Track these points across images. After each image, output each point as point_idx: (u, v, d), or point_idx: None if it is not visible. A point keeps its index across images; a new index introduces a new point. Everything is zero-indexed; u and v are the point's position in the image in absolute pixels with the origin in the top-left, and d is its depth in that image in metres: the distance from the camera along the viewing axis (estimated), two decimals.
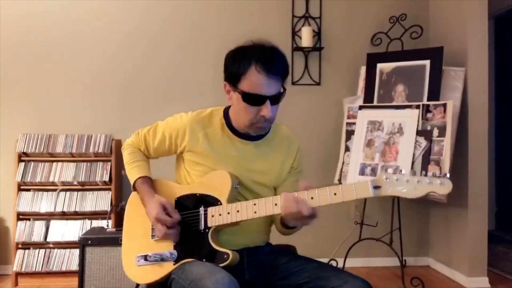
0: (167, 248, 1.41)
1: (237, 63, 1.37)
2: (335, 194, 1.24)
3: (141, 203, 1.49)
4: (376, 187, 1.20)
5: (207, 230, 1.38)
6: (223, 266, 1.31)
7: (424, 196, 1.16)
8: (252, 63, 1.34)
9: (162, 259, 1.40)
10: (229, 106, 1.52)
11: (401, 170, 1.19)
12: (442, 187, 1.14)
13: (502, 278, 3.10)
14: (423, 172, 1.18)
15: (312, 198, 1.26)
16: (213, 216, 1.38)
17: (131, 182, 1.52)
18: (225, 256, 1.32)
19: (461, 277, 3.00)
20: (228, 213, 1.36)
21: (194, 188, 1.46)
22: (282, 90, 1.40)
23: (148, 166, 1.57)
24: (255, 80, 1.34)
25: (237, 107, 1.42)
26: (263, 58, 1.35)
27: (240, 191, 1.45)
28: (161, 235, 1.39)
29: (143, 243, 1.47)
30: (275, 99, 1.38)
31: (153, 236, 1.46)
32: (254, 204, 1.33)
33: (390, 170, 1.20)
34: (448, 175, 1.15)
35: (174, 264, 1.38)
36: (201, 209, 1.40)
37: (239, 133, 1.48)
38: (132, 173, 1.52)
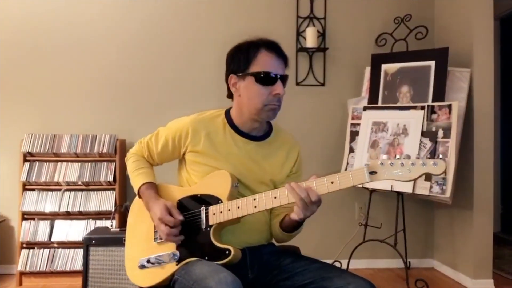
0: (170, 249, 1.41)
1: (244, 52, 1.45)
2: (332, 182, 1.26)
3: (145, 208, 1.49)
4: (372, 173, 1.21)
5: (208, 229, 1.39)
6: (226, 262, 1.32)
7: (419, 177, 1.18)
8: (260, 47, 1.44)
9: (165, 261, 1.40)
10: (230, 108, 1.55)
11: (395, 155, 1.21)
12: (436, 168, 1.16)
13: (507, 281, 3.08)
14: (417, 156, 1.21)
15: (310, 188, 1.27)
16: (214, 214, 1.39)
17: (136, 189, 1.52)
18: (227, 252, 1.33)
19: (466, 279, 2.99)
20: (229, 210, 1.37)
21: (195, 190, 1.47)
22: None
23: (152, 172, 1.58)
24: (266, 60, 1.43)
25: (248, 94, 1.45)
26: (269, 42, 1.46)
27: (241, 190, 1.46)
28: (164, 236, 1.40)
29: (145, 246, 1.47)
30: (284, 80, 1.45)
31: (155, 239, 1.46)
32: (254, 199, 1.35)
33: (384, 156, 1.22)
34: (441, 156, 1.17)
35: (176, 265, 1.38)
36: (202, 208, 1.41)
37: (241, 132, 1.50)
38: (137, 180, 1.53)
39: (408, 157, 1.19)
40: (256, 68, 1.42)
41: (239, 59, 1.45)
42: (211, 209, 1.40)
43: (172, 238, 1.40)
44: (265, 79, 1.41)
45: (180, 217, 1.40)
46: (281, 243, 1.57)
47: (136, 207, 1.58)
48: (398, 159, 1.19)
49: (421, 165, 1.17)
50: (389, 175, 1.20)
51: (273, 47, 1.45)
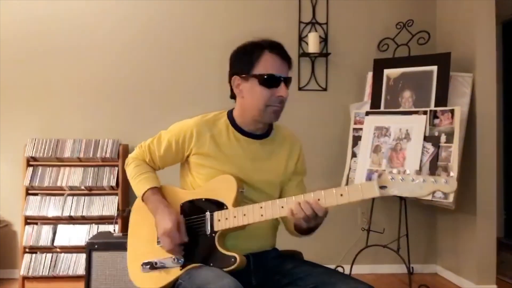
0: None
1: (248, 53, 1.45)
2: (341, 195, 1.25)
3: (148, 211, 1.47)
4: (382, 187, 1.21)
5: (213, 235, 1.38)
6: (231, 269, 1.31)
7: (430, 194, 1.18)
8: (264, 48, 1.43)
9: (169, 265, 1.40)
10: (232, 109, 1.54)
11: (405, 171, 1.21)
12: (447, 186, 1.16)
13: (511, 286, 3.06)
14: (428, 172, 1.21)
15: (318, 200, 1.26)
16: (219, 220, 1.38)
17: (139, 193, 1.49)
18: (233, 259, 1.32)
19: (470, 285, 2.97)
20: (235, 216, 1.35)
21: (199, 193, 1.46)
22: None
23: (156, 176, 1.55)
24: (270, 62, 1.42)
25: (251, 95, 1.44)
26: (274, 44, 1.46)
27: (247, 191, 1.45)
28: (167, 249, 1.39)
29: (148, 249, 1.46)
30: (287, 83, 1.45)
31: (158, 242, 1.45)
32: (261, 207, 1.33)
33: (395, 171, 1.21)
34: (452, 174, 1.17)
35: (180, 270, 1.38)
36: (207, 214, 1.40)
37: (244, 132, 1.50)
38: (141, 184, 1.49)
39: (419, 173, 1.19)
40: (260, 70, 1.41)
41: (243, 60, 1.45)
42: (216, 215, 1.38)
43: (174, 253, 1.39)
44: (269, 81, 1.41)
45: (186, 239, 1.38)
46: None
47: (138, 209, 1.56)
48: (408, 174, 1.19)
49: (432, 183, 1.16)
50: (399, 191, 1.19)
51: (277, 49, 1.44)
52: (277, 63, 1.42)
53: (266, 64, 1.41)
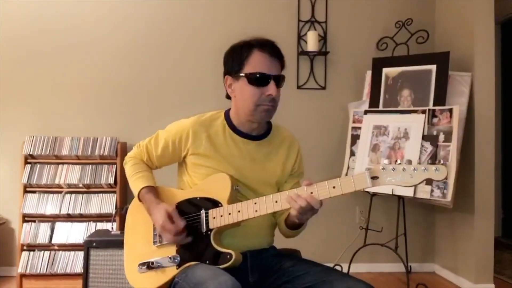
0: (170, 253, 1.41)
1: (238, 52, 1.44)
2: (334, 187, 1.25)
3: (143, 210, 1.48)
4: (374, 178, 1.21)
5: (209, 232, 1.38)
6: (227, 266, 1.31)
7: (421, 182, 1.18)
8: (254, 47, 1.43)
9: (165, 265, 1.40)
10: (229, 109, 1.54)
11: (396, 160, 1.20)
12: (437, 173, 1.16)
13: (508, 285, 3.07)
14: (419, 161, 1.20)
15: (311, 193, 1.26)
16: (214, 218, 1.38)
17: (135, 193, 1.50)
18: (228, 256, 1.33)
19: (467, 284, 2.98)
20: (229, 213, 1.36)
21: (194, 193, 1.46)
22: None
23: (152, 175, 1.56)
24: (259, 60, 1.41)
25: (241, 95, 1.44)
26: (264, 42, 1.44)
27: (243, 191, 1.45)
28: (169, 242, 1.40)
29: (145, 250, 1.47)
30: (278, 81, 1.43)
31: (154, 242, 1.45)
32: (255, 203, 1.34)
33: (386, 161, 1.21)
34: (442, 161, 1.16)
35: (177, 269, 1.38)
36: (202, 212, 1.40)
37: (241, 133, 1.50)
38: (136, 183, 1.51)
39: (410, 162, 1.18)
40: (249, 69, 1.41)
41: (234, 60, 1.45)
42: (211, 212, 1.39)
43: (179, 242, 1.40)
44: (258, 80, 1.40)
45: (182, 223, 1.38)
46: (288, 238, 1.56)
47: (134, 209, 1.56)
48: (399, 164, 1.19)
49: (422, 171, 1.16)
50: (391, 181, 1.19)
51: (266, 47, 1.43)
52: (267, 61, 1.41)
53: (255, 63, 1.41)
